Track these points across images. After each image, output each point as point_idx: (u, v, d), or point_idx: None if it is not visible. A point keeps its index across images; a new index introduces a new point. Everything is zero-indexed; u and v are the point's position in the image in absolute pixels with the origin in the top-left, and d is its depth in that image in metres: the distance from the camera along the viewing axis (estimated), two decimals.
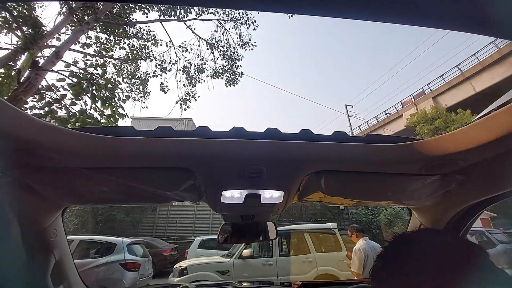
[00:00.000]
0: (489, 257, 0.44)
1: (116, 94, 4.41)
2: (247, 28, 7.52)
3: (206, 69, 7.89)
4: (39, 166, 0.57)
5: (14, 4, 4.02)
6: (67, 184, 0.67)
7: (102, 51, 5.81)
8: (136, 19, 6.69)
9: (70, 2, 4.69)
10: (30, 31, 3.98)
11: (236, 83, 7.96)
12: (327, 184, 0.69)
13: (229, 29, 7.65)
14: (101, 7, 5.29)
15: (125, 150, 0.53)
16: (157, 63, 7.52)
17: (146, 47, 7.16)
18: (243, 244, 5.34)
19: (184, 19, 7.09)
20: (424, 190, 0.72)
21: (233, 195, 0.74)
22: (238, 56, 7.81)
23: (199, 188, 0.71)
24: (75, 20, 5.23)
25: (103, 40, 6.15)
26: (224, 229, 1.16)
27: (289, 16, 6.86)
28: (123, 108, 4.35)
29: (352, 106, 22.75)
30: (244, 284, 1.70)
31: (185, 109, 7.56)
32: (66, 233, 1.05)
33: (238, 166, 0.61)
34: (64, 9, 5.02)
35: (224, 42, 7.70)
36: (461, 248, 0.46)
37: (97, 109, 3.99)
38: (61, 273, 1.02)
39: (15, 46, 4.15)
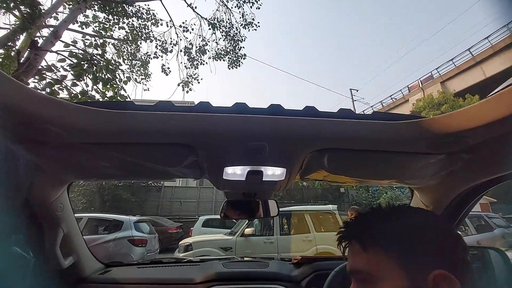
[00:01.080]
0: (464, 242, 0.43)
1: (117, 75, 4.35)
2: (251, 6, 7.16)
3: (208, 51, 7.66)
4: (41, 140, 0.57)
5: None
6: (69, 159, 0.67)
7: (101, 31, 5.63)
8: None
9: None
10: (28, 10, 3.85)
11: (239, 65, 7.75)
12: (330, 162, 0.68)
13: (232, 8, 7.31)
14: None
15: (125, 124, 0.53)
16: (157, 43, 7.31)
17: (146, 27, 6.92)
18: (246, 222, 5.54)
19: None
20: (429, 169, 0.71)
21: (235, 172, 0.74)
22: (241, 37, 7.52)
23: (201, 165, 0.71)
24: None
25: (102, 20, 5.95)
26: (226, 205, 1.19)
27: None
28: (124, 90, 4.32)
29: (357, 90, 22.27)
30: (246, 258, 1.78)
31: (187, 92, 7.47)
32: (74, 211, 1.09)
33: (240, 142, 0.60)
34: None
35: (227, 22, 7.39)
36: (434, 225, 0.45)
37: (99, 91, 3.96)
38: (70, 245, 1.08)
39: (13, 26, 4.04)
